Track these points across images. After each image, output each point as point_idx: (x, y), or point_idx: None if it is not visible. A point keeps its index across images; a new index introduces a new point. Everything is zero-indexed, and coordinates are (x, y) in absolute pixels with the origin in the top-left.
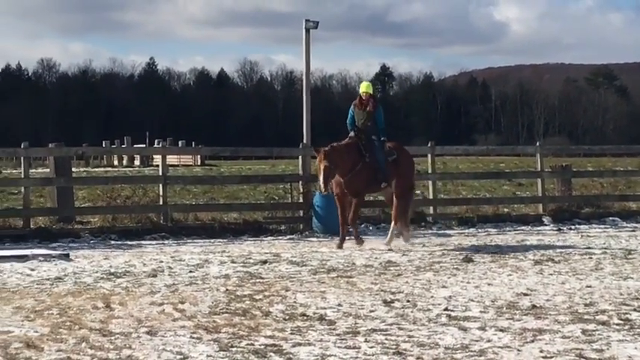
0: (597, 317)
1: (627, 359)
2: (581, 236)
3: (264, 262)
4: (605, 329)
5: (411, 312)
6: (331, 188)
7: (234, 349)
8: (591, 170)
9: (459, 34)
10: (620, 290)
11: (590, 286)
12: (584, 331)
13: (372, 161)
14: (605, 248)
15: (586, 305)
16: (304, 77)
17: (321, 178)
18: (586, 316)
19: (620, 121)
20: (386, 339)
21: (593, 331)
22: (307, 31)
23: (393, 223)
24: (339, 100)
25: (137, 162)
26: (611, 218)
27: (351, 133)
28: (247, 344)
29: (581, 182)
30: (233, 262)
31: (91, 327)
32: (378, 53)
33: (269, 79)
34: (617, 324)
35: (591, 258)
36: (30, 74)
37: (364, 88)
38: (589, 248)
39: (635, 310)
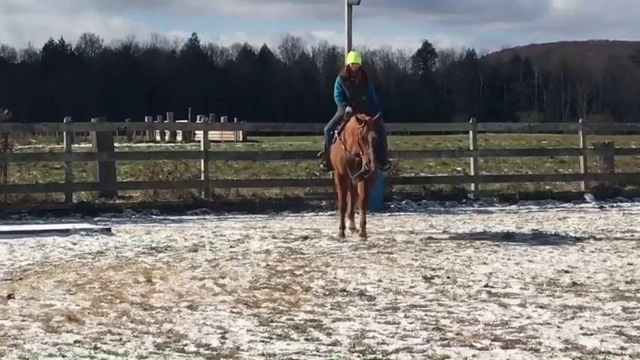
0: (638, 295)
1: None
2: (623, 214)
3: (305, 237)
4: None
5: (451, 288)
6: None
7: (274, 324)
8: (634, 148)
9: (501, 11)
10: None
11: (631, 264)
12: (624, 309)
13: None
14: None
15: (627, 283)
16: (346, 53)
17: (371, 151)
18: (627, 294)
19: None
20: (425, 315)
21: (634, 308)
22: (349, 6)
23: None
24: (382, 76)
25: (179, 137)
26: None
27: (348, 109)
28: (287, 319)
29: (624, 160)
30: (274, 237)
31: (132, 301)
32: (419, 29)
33: (311, 55)
34: None
35: (633, 236)
36: (73, 49)
37: (353, 58)
38: (631, 226)
39: None
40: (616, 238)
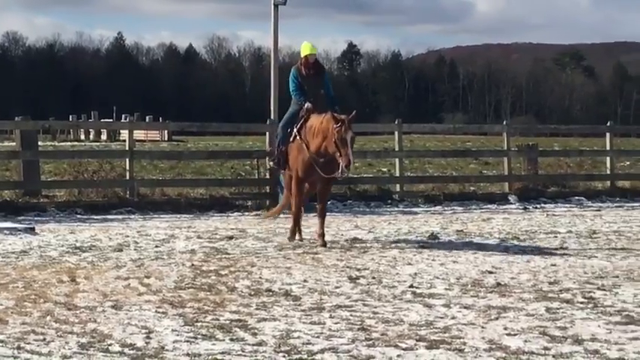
0: (561, 295)
1: (590, 337)
2: (547, 215)
3: (230, 237)
4: (569, 307)
5: (376, 289)
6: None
7: (199, 324)
8: (557, 150)
9: (426, 13)
10: (584, 269)
11: (554, 265)
12: (548, 309)
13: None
14: (570, 227)
15: (550, 283)
16: (272, 53)
17: (350, 152)
18: (550, 294)
19: (587, 101)
20: (351, 315)
21: (557, 309)
22: (275, 7)
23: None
24: None
25: (104, 137)
26: (576, 197)
27: (307, 105)
28: (212, 319)
29: (547, 161)
30: (199, 237)
31: (55, 301)
32: (344, 30)
33: (237, 55)
34: (581, 302)
35: (556, 237)
36: None
37: (309, 49)
38: (554, 227)
39: (598, 288)
40: (539, 239)
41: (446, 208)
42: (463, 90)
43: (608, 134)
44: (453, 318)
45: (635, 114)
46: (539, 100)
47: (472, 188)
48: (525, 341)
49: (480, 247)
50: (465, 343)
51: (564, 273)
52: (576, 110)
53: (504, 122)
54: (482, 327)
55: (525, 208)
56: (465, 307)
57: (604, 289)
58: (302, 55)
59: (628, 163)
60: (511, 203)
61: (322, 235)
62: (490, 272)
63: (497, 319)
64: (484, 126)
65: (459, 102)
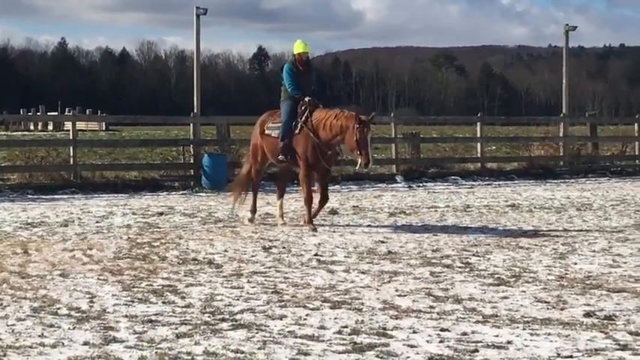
0: (443, 261)
1: (468, 297)
2: (428, 192)
3: (161, 214)
4: (449, 271)
5: (287, 257)
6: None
7: (135, 289)
8: (436, 137)
9: (323, 20)
10: (461, 238)
11: (436, 235)
12: (432, 273)
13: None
14: (448, 203)
15: (433, 251)
16: (195, 56)
17: (370, 152)
18: (433, 260)
19: (459, 96)
20: (265, 280)
21: (440, 273)
22: (197, 16)
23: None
24: (224, 76)
25: (50, 127)
26: (452, 177)
27: (307, 98)
28: (147, 285)
29: (428, 147)
30: (134, 213)
31: (10, 270)
32: (254, 36)
33: (164, 57)
34: (460, 267)
35: (436, 211)
36: None
37: (303, 47)
38: (434, 203)
39: (474, 255)
40: (422, 213)
41: (343, 187)
42: (355, 86)
43: (478, 123)
44: (352, 282)
45: (499, 106)
46: (419, 94)
47: (365, 170)
48: (414, 301)
49: (373, 220)
50: (362, 304)
51: (445, 242)
52: (450, 103)
53: (391, 114)
54: (377, 289)
55: (410, 187)
56: (362, 272)
57: (478, 256)
58: (295, 52)
59: (494, 147)
60: (398, 183)
61: (311, 220)
62: (382, 242)
63: (389, 282)
64: (375, 117)
65: (352, 97)
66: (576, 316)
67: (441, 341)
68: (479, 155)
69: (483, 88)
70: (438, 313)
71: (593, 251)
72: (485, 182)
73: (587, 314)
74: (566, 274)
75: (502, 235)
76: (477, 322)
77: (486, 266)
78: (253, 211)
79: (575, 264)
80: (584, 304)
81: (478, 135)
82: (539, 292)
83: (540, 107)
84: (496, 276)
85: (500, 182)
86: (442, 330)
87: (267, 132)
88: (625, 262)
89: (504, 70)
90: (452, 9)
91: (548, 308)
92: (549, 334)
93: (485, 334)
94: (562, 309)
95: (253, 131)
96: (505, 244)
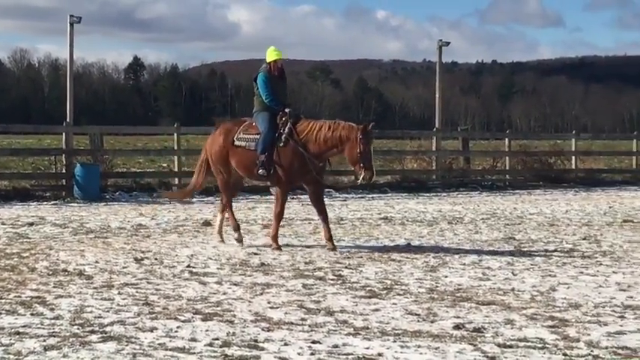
0: (315, 274)
1: (340, 309)
2: (302, 205)
3: (31, 224)
4: (321, 284)
5: (158, 268)
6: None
7: (3, 301)
8: None
9: (199, 32)
10: (334, 251)
11: (309, 247)
12: (304, 285)
13: None
14: None
15: (306, 263)
16: (68, 64)
17: (373, 165)
18: (306, 273)
19: (334, 108)
20: (137, 292)
21: (312, 285)
22: (71, 25)
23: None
24: (98, 85)
25: None
26: (326, 190)
27: (288, 109)
28: (15, 296)
29: None
30: (3, 224)
31: None
32: (129, 45)
33: (37, 64)
34: (332, 279)
35: (310, 223)
36: None
37: (277, 54)
38: (308, 215)
39: (346, 267)
40: (296, 225)
41: (217, 198)
42: (231, 98)
43: None
44: (224, 294)
45: (374, 119)
46: (295, 106)
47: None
48: (286, 313)
49: (247, 231)
50: (234, 315)
51: (318, 254)
52: (326, 116)
53: None
54: (249, 301)
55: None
56: (235, 284)
57: (351, 268)
58: (269, 59)
59: None
60: (272, 195)
61: (331, 238)
62: (255, 254)
63: (261, 294)
64: None
65: (227, 108)
66: (446, 329)
67: (312, 354)
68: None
69: (358, 101)
70: (309, 326)
71: (464, 264)
72: (359, 195)
73: (457, 326)
74: (437, 286)
75: (374, 248)
76: (349, 334)
77: (358, 279)
78: (237, 228)
79: (446, 277)
80: (454, 317)
81: None
82: (410, 305)
83: (414, 121)
84: (368, 288)
85: (374, 195)
86: (313, 342)
87: (238, 143)
88: (494, 275)
89: (379, 84)
90: (328, 22)
91: (418, 320)
92: (419, 346)
93: (357, 346)
94: (432, 321)
95: (212, 141)
96: (377, 257)
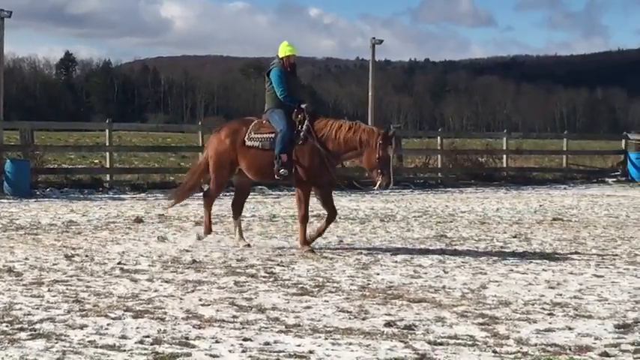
0: (247, 271)
1: (272, 306)
2: None
3: None
4: (253, 281)
5: (89, 265)
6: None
7: None
8: None
9: (131, 27)
10: (266, 248)
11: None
12: (236, 283)
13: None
14: (254, 212)
15: (238, 260)
16: None
17: (391, 171)
18: (238, 270)
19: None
20: (67, 289)
21: (244, 282)
22: (1, 19)
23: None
24: (29, 81)
25: None
26: (259, 187)
27: (305, 105)
28: None
29: None
30: None
31: None
32: (60, 41)
33: None
34: (264, 276)
35: (242, 220)
36: None
37: (291, 50)
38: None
39: (278, 264)
40: (228, 222)
41: (149, 196)
42: (164, 94)
43: None
44: (156, 291)
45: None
46: (228, 103)
47: (172, 178)
48: (217, 310)
49: (179, 228)
50: (165, 313)
51: (249, 251)
52: (260, 113)
53: (199, 122)
54: (181, 298)
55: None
56: (166, 282)
57: (283, 265)
58: (282, 55)
59: None
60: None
61: (309, 241)
62: (187, 251)
63: (193, 291)
64: (182, 125)
65: (160, 104)
66: (377, 326)
67: (243, 351)
68: None
69: None
70: (241, 323)
71: (396, 262)
72: (292, 192)
73: (388, 324)
74: (369, 284)
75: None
76: (280, 331)
77: (290, 276)
78: (208, 231)
79: (378, 274)
80: (385, 314)
81: None
82: (342, 302)
83: (347, 119)
84: (300, 286)
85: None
86: (245, 340)
87: (249, 143)
88: (425, 273)
89: (313, 82)
90: (261, 19)
91: (350, 318)
92: (351, 343)
93: (288, 343)
94: (364, 319)
95: (216, 143)
96: (310, 254)
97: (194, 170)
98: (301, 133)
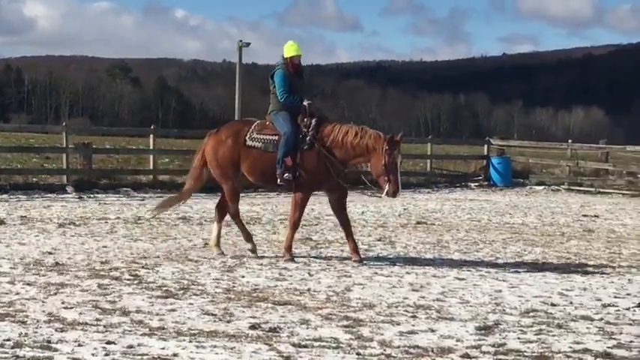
0: (111, 273)
1: (136, 309)
2: (100, 204)
3: None
4: (117, 283)
5: None
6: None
7: None
8: (109, 148)
9: None
10: (131, 250)
11: (105, 247)
12: (100, 285)
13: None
14: (119, 214)
15: (102, 263)
16: None
17: (399, 178)
18: (102, 273)
19: (134, 106)
20: None
21: (108, 285)
22: None
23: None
24: None
25: None
26: (124, 189)
27: (306, 102)
28: None
29: (101, 157)
30: None
31: None
32: None
33: None
34: (128, 279)
35: (107, 222)
36: None
37: (295, 50)
38: (105, 214)
39: (143, 267)
40: (93, 225)
41: (11, 197)
42: (28, 94)
43: (151, 135)
44: (17, 294)
45: (174, 119)
46: (93, 104)
47: (35, 179)
48: (80, 313)
49: (42, 230)
50: (27, 316)
51: (114, 254)
52: (125, 114)
53: (64, 123)
54: (43, 301)
55: (80, 197)
56: (28, 284)
57: (147, 268)
58: (287, 55)
59: (167, 160)
60: (68, 193)
61: (356, 249)
62: (50, 253)
63: (55, 294)
64: (46, 126)
65: (24, 104)
66: (242, 329)
67: (106, 354)
68: (151, 167)
69: (158, 100)
70: (104, 326)
71: (261, 264)
72: (157, 194)
73: (253, 326)
74: (234, 286)
75: (172, 248)
76: (144, 334)
77: (155, 278)
78: (249, 238)
79: (243, 277)
80: (250, 317)
81: (151, 147)
82: (207, 305)
83: (214, 121)
84: (164, 288)
85: (167, 195)
86: (108, 343)
87: (251, 144)
88: (291, 276)
89: (179, 84)
90: (126, 20)
91: (214, 321)
92: (215, 346)
93: (152, 346)
94: (228, 321)
95: (216, 144)
96: (175, 257)
97: (192, 173)
98: (307, 138)
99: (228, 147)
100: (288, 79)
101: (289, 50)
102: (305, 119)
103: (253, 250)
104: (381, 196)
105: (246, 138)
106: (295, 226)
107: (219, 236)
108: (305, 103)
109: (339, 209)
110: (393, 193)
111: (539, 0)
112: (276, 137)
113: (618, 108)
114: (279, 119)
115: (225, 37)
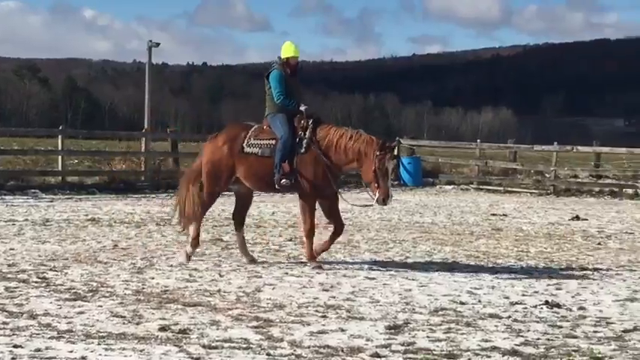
0: (18, 276)
1: (44, 312)
2: (7, 205)
3: None
4: (25, 286)
5: None
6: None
7: None
8: (16, 149)
9: None
10: (39, 253)
11: (13, 249)
12: (6, 288)
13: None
14: (27, 216)
15: (9, 266)
16: None
17: (390, 185)
18: (9, 275)
19: (42, 107)
20: None
21: (15, 288)
22: None
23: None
24: None
25: None
26: (32, 190)
27: (303, 107)
28: None
29: (7, 159)
30: None
31: None
32: None
33: None
34: (36, 282)
35: (14, 224)
36: None
37: (293, 51)
38: (13, 216)
39: (51, 269)
40: (0, 227)
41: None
42: None
43: (60, 136)
44: None
45: (83, 119)
46: (0, 105)
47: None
48: None
49: None
50: None
51: (21, 256)
52: (33, 115)
53: None
54: None
55: None
56: None
57: (56, 270)
58: (284, 56)
59: (76, 161)
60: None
61: (319, 254)
62: None
63: None
64: None
65: None
66: (151, 331)
67: (13, 358)
68: (60, 169)
69: (67, 100)
70: (11, 330)
71: (171, 266)
72: (66, 196)
73: (163, 328)
74: (144, 288)
75: (81, 250)
76: (52, 337)
77: (63, 281)
78: (196, 244)
79: (153, 278)
80: (160, 318)
81: (60, 148)
82: (116, 307)
83: (124, 122)
84: (73, 291)
85: (82, 196)
86: (15, 346)
87: (248, 150)
88: (201, 277)
89: (89, 84)
90: (33, 20)
91: (124, 323)
92: (124, 348)
93: (60, 349)
94: (138, 323)
95: (212, 150)
96: (84, 259)
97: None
98: (304, 141)
99: (223, 154)
100: (285, 80)
101: (287, 51)
102: (302, 121)
103: (189, 255)
104: (372, 205)
105: (244, 145)
106: (310, 234)
107: (244, 244)
108: (302, 108)
109: (331, 213)
110: (383, 201)
111: (448, 1)
112: (274, 141)
113: (526, 108)
114: (276, 122)
115: (135, 36)
